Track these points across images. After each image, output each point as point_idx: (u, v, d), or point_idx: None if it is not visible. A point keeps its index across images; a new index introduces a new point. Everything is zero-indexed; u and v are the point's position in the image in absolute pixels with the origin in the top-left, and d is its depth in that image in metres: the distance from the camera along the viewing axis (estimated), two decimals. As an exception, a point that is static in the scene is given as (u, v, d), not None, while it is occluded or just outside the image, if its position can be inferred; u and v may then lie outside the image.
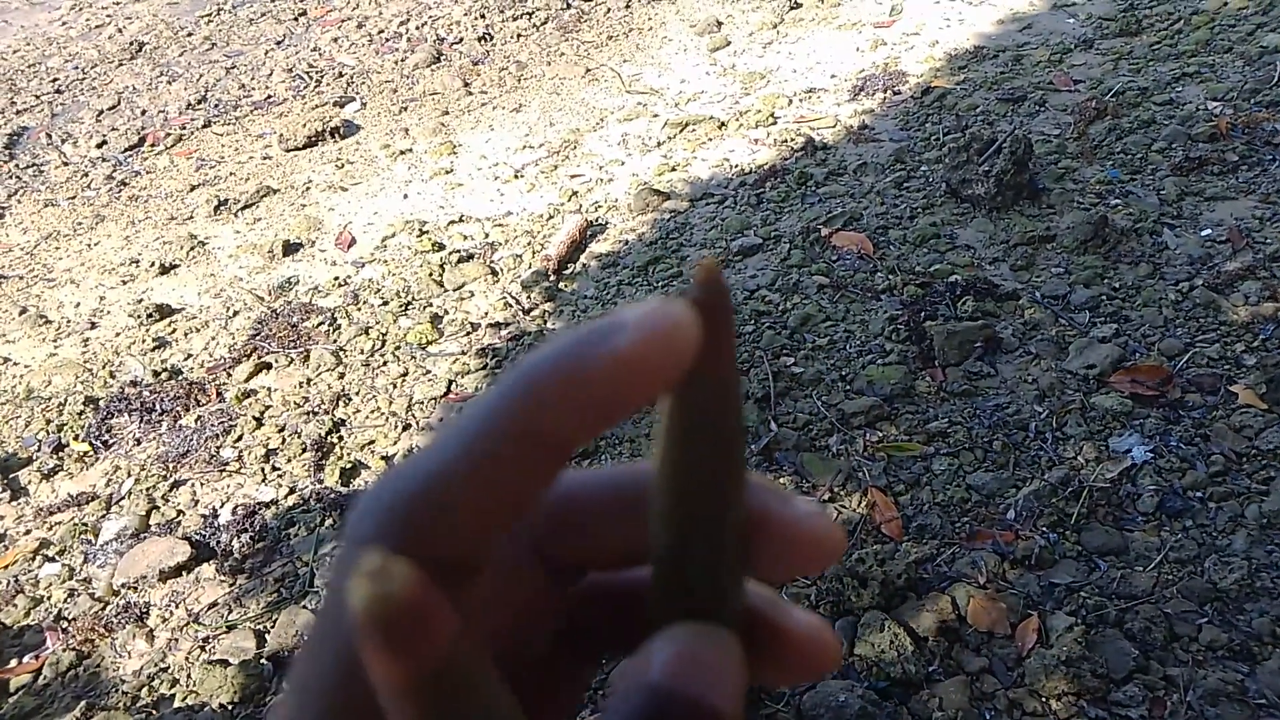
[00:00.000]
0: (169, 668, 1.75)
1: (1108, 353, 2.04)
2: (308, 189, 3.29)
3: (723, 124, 3.26)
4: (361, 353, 2.46)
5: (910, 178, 2.79)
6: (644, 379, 0.21)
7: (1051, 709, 1.43)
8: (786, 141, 3.07)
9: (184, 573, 1.93)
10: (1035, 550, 1.66)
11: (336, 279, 2.79)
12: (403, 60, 4.12)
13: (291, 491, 2.08)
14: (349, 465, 2.12)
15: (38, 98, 4.25)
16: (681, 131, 3.27)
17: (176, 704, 1.67)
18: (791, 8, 3.99)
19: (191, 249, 3.03)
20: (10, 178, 3.63)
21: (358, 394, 2.34)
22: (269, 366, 2.47)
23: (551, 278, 2.63)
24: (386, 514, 0.21)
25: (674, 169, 3.06)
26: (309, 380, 2.40)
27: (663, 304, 0.21)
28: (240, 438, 2.25)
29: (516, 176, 3.18)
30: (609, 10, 4.29)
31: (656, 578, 0.24)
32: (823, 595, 1.65)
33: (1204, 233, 2.37)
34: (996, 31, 3.55)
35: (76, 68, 4.51)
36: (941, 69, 3.35)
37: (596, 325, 0.21)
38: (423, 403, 2.28)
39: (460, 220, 2.99)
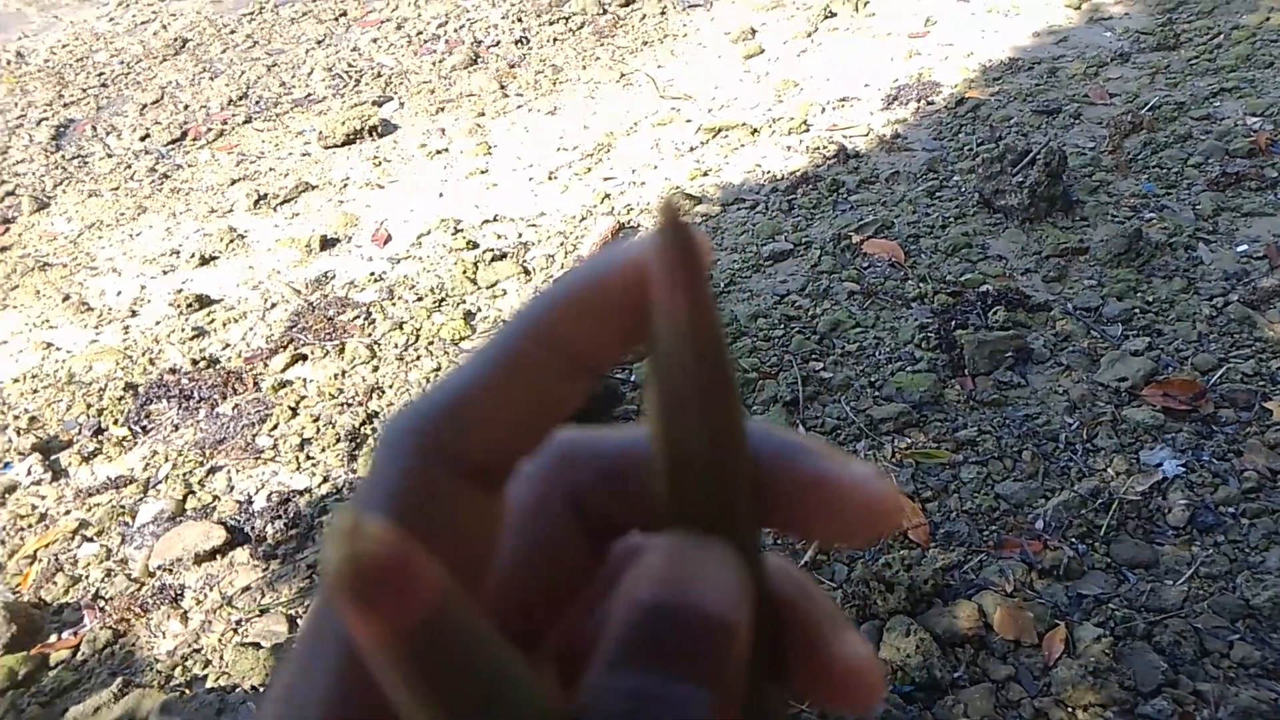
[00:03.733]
0: (202, 649, 1.79)
1: (1140, 366, 2.03)
2: (345, 186, 3.34)
3: (755, 130, 3.27)
4: (396, 347, 2.50)
5: (943, 187, 2.79)
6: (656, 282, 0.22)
7: (1078, 719, 1.43)
8: (819, 149, 3.09)
9: (218, 557, 1.97)
10: (1064, 561, 1.66)
11: (372, 274, 2.83)
12: (440, 61, 4.17)
13: (325, 480, 2.12)
14: (381, 457, 2.15)
15: (84, 91, 4.34)
16: (714, 137, 3.29)
17: (209, 684, 1.71)
18: (826, 17, 4.00)
19: (231, 241, 3.09)
20: (56, 168, 3.71)
21: (391, 387, 2.37)
22: (305, 358, 2.51)
23: (583, 278, 2.65)
24: (417, 418, 0.22)
25: (706, 174, 3.08)
26: (344, 372, 2.44)
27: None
28: (276, 426, 2.29)
29: (550, 178, 3.21)
30: (644, 16, 4.32)
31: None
32: (848, 598, 1.66)
33: (1240, 248, 2.35)
34: (1032, 44, 3.54)
35: (122, 63, 4.61)
36: (976, 80, 3.34)
37: (605, 249, 0.23)
38: (454, 398, 2.31)
39: (494, 219, 3.03)
